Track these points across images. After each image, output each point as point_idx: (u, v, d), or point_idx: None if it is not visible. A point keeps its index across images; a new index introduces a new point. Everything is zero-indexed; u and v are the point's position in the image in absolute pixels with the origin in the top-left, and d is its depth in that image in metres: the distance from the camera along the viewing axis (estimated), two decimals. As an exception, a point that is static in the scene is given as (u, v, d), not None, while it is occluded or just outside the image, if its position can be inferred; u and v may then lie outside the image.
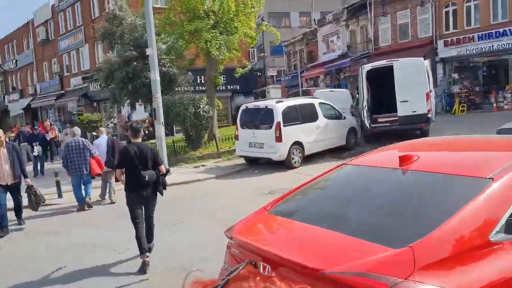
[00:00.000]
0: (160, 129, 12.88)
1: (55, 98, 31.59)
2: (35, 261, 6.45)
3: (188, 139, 16.04)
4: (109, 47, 18.34)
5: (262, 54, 26.40)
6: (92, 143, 11.13)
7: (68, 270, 5.92)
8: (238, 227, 2.95)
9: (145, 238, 5.73)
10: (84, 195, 9.83)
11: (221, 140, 16.34)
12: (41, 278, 5.76)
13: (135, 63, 17.51)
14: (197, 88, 22.91)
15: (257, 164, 13.72)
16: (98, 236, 7.58)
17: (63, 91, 32.01)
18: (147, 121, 24.96)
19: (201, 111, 15.41)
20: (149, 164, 5.73)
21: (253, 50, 32.74)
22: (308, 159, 13.29)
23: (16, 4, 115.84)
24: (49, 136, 18.39)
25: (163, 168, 6.02)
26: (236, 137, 13.88)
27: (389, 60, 14.92)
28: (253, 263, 0.99)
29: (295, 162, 12.83)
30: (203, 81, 24.78)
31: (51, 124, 20.56)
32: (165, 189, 6.13)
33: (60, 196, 11.03)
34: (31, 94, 37.25)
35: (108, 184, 10.39)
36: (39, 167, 15.89)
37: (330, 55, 32.71)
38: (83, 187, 9.85)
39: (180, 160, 15.24)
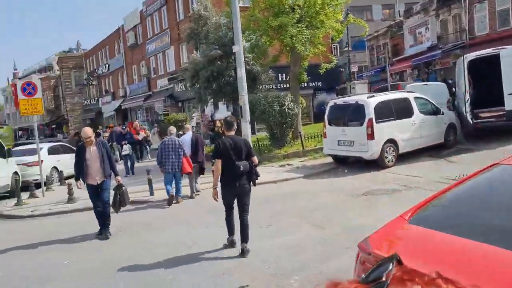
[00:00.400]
0: (247, 127, 12.70)
1: (143, 99, 33.14)
2: (133, 259, 6.45)
3: (273, 138, 15.75)
4: (195, 47, 18.66)
5: (346, 48, 25.42)
6: None
7: (166, 266, 5.82)
8: (375, 240, 2.46)
9: (233, 223, 6.31)
10: (174, 192, 10.21)
11: (306, 138, 15.84)
12: (141, 275, 5.71)
13: (219, 62, 17.61)
14: (278, 86, 22.59)
15: (345, 164, 13.04)
16: (192, 233, 7.47)
17: (151, 92, 33.47)
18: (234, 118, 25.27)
19: (286, 109, 15.03)
20: (243, 155, 6.05)
21: (336, 45, 31.75)
22: (402, 158, 12.36)
23: (110, 11, 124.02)
24: (141, 136, 19.13)
25: (255, 159, 6.30)
26: (324, 135, 13.31)
27: (494, 48, 13.41)
28: (398, 258, 0.89)
29: (388, 161, 11.97)
30: (284, 79, 24.51)
31: (139, 125, 21.56)
32: (257, 179, 6.41)
33: (152, 193, 11.25)
34: (122, 96, 39.49)
35: (193, 179, 10.86)
36: (129, 166, 16.28)
37: (418, 47, 30.78)
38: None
39: (265, 159, 14.97)
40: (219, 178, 6.16)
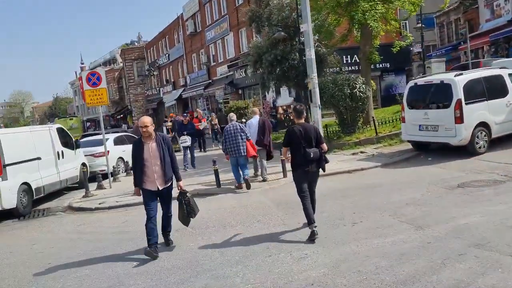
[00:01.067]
0: (317, 113, 11.76)
1: (203, 87, 33.01)
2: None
3: (342, 123, 14.67)
4: (256, 31, 17.85)
5: (420, 24, 23.47)
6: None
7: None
8: None
9: (311, 210, 6.23)
10: (242, 175, 10.29)
11: (378, 123, 14.61)
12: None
13: (283, 45, 16.69)
14: (345, 68, 21.33)
15: (427, 150, 11.77)
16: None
17: (210, 81, 33.24)
18: (291, 106, 24.34)
19: (357, 92, 13.88)
20: (313, 142, 6.24)
21: (404, 23, 29.65)
22: (493, 143, 10.92)
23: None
24: (202, 125, 18.74)
25: (325, 146, 6.45)
26: (402, 119, 12.07)
27: None
28: None
29: (479, 148, 10.60)
30: (350, 61, 23.14)
31: (201, 113, 21.27)
32: (327, 163, 6.50)
33: (218, 185, 10.71)
34: (182, 85, 39.72)
35: (259, 163, 11.09)
36: (188, 159, 14.71)
37: (496, 21, 28.01)
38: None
39: (334, 147, 13.97)
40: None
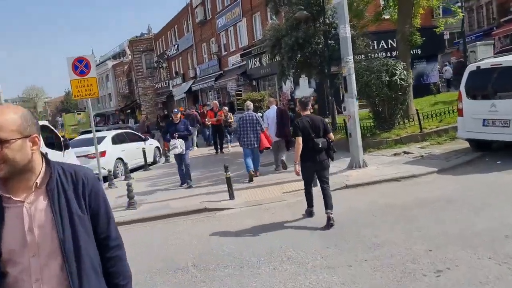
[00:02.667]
0: (353, 105, 9.48)
1: (214, 79, 30.82)
2: None
3: (378, 117, 12.34)
4: (274, 12, 15.52)
5: (460, 3, 20.90)
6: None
7: None
8: None
9: (312, 195, 6.77)
10: (252, 167, 10.04)
11: (421, 117, 12.25)
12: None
13: (305, 27, 14.39)
14: (372, 55, 18.89)
15: (490, 150, 9.44)
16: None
17: (222, 72, 31.04)
18: (312, 98, 21.96)
19: (398, 79, 11.54)
20: (321, 132, 6.44)
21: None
22: None
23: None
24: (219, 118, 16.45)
25: (332, 135, 6.70)
26: (459, 112, 9.72)
27: None
28: None
29: None
30: (385, 46, 20.67)
31: (218, 105, 19.05)
32: (335, 152, 6.66)
33: (232, 197, 8.54)
34: (192, 77, 37.60)
35: (279, 154, 10.70)
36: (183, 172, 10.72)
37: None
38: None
39: (369, 145, 11.68)
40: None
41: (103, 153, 13.55)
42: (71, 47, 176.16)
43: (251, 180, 9.90)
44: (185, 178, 10.48)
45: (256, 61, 24.70)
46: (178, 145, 10.09)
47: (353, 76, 9.49)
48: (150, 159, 16.15)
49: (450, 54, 34.68)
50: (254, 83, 25.98)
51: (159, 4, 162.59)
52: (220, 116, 16.20)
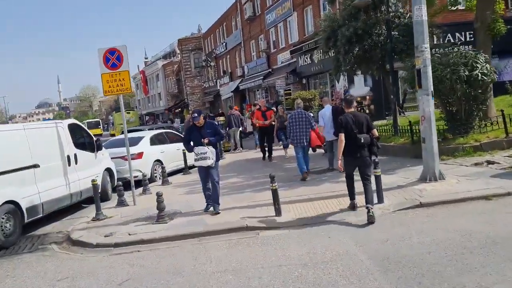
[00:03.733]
0: (429, 103, 7.74)
1: (262, 77, 29.48)
2: None
3: (452, 119, 10.46)
4: (330, 0, 13.86)
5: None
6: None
7: None
8: None
9: (354, 189, 6.89)
10: (305, 168, 9.95)
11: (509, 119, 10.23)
12: None
13: (365, 16, 12.71)
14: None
15: None
16: None
17: (270, 70, 29.64)
18: (367, 97, 20.10)
19: (479, 74, 9.63)
20: (364, 129, 6.58)
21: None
22: None
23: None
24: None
25: (375, 132, 6.74)
26: None
27: None
28: None
29: None
30: (460, 39, 18.48)
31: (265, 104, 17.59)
32: (378, 150, 6.77)
33: (278, 213, 7.09)
34: (239, 76, 36.50)
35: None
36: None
37: None
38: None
39: (442, 152, 9.80)
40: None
41: (139, 155, 12.58)
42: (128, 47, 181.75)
43: (303, 180, 9.78)
44: (213, 201, 7.86)
45: (306, 58, 23.10)
46: (209, 154, 7.62)
47: (429, 69, 7.76)
48: (191, 161, 15.03)
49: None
50: (304, 81, 24.37)
51: (212, 4, 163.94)
52: (270, 117, 13.89)
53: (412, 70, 10.71)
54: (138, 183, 11.07)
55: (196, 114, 7.92)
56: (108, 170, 11.33)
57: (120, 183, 9.96)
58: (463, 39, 19.47)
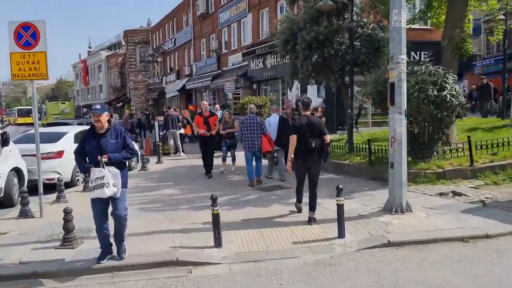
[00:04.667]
0: (401, 123, 6.72)
1: (211, 78, 28.00)
2: None
3: (415, 141, 9.61)
4: (290, 1, 12.72)
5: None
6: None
7: None
8: None
9: (302, 193, 7.05)
10: (254, 172, 9.93)
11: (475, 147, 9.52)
12: None
13: (327, 21, 11.71)
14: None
15: None
16: None
17: (220, 71, 28.22)
18: (319, 109, 19.23)
19: (448, 95, 8.85)
20: (317, 133, 6.62)
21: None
22: None
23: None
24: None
25: (327, 137, 6.76)
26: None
27: None
28: None
29: None
30: (411, 58, 18.02)
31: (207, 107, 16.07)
32: (328, 156, 6.97)
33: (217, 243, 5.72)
34: (187, 75, 34.75)
35: (278, 163, 10.61)
36: None
37: None
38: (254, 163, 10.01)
39: (402, 176, 8.97)
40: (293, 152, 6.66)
41: (59, 154, 10.71)
42: (70, 35, 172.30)
43: (252, 185, 9.77)
44: (117, 241, 5.41)
45: (259, 62, 21.96)
46: (108, 179, 5.01)
47: (404, 84, 6.74)
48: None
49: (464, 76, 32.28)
50: (254, 86, 23.19)
51: None
52: (214, 125, 11.32)
53: (376, 84, 9.84)
54: (55, 188, 9.26)
55: (98, 107, 5.31)
56: (17, 170, 9.41)
57: (25, 189, 8.06)
58: (417, 58, 19.19)
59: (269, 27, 21.92)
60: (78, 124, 15.19)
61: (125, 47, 51.42)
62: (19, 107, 74.55)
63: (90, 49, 78.91)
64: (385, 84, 9.13)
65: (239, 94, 24.58)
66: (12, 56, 7.49)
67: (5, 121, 69.86)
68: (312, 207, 6.66)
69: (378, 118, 19.67)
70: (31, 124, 34.72)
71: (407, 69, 7.93)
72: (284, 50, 12.03)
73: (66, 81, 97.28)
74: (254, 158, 10.02)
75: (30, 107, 74.34)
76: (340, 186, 5.94)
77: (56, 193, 9.08)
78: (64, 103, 52.84)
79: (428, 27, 19.06)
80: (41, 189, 7.88)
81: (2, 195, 8.83)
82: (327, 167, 11.74)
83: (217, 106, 18.02)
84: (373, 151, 10.26)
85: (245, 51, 23.42)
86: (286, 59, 19.10)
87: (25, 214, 7.70)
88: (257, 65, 22.17)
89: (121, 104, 52.95)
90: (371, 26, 12.19)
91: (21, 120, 60.89)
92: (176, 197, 9.14)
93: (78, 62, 76.52)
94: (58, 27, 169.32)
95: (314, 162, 6.67)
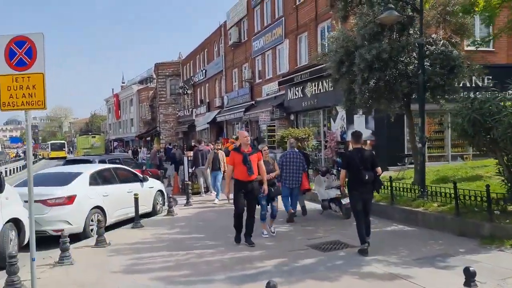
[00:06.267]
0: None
1: (243, 110, 26.34)
2: None
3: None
4: (342, 15, 10.81)
5: None
6: None
7: None
8: None
9: (364, 230, 6.77)
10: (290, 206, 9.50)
11: None
12: None
13: (389, 37, 9.74)
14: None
15: None
16: None
17: (253, 102, 26.55)
18: (368, 142, 16.97)
19: None
20: (369, 165, 6.82)
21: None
22: None
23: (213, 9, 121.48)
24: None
25: (379, 169, 7.01)
26: None
27: None
28: None
29: None
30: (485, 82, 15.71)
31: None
32: (380, 187, 7.42)
33: None
34: (218, 107, 33.30)
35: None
36: None
37: None
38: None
39: (497, 232, 6.73)
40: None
41: (70, 199, 8.90)
42: (103, 70, 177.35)
43: (291, 220, 9.36)
44: None
45: (297, 91, 20.10)
46: None
47: None
48: (146, 207, 11.42)
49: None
50: (292, 117, 21.26)
51: (197, 32, 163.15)
52: (257, 165, 7.87)
53: (468, 111, 7.66)
54: (75, 237, 7.42)
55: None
56: (15, 221, 7.63)
57: (14, 253, 6.16)
58: (479, 83, 16.87)
59: (308, 52, 20.17)
60: (100, 162, 13.45)
61: (155, 81, 50.99)
62: (52, 141, 75.48)
63: (123, 84, 79.87)
64: (482, 111, 7.01)
65: (274, 126, 22.69)
66: (1, 80, 5.79)
67: (39, 155, 70.71)
68: (368, 234, 6.87)
69: (434, 152, 17.36)
70: (64, 158, 33.76)
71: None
72: (338, 72, 10.03)
73: (99, 115, 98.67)
74: (291, 194, 9.56)
75: (63, 141, 75.31)
76: (472, 268, 3.76)
77: (62, 252, 7.18)
78: (94, 137, 52.56)
79: (491, 49, 16.88)
80: (33, 253, 5.97)
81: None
82: (393, 214, 9.53)
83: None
84: (459, 194, 7.99)
85: (281, 79, 21.67)
86: (330, 86, 17.33)
87: (11, 286, 5.80)
88: (295, 94, 20.32)
89: (150, 137, 52.12)
90: (441, 42, 10.10)
91: (54, 154, 61.22)
92: (209, 258, 7.10)
93: (111, 96, 77.17)
94: (95, 63, 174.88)
95: (368, 193, 6.97)
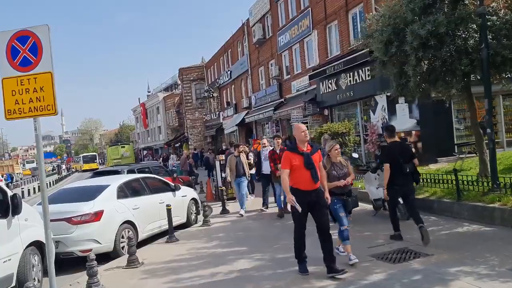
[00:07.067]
0: None
1: (273, 108, 25.25)
2: None
3: None
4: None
5: None
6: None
7: None
8: None
9: (397, 220, 7.16)
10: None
11: None
12: None
13: (443, 7, 8.49)
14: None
15: None
16: None
17: (283, 99, 25.43)
18: (413, 133, 15.59)
19: None
20: (407, 158, 6.94)
21: None
22: None
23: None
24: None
25: (416, 160, 7.15)
26: None
27: None
28: None
29: None
30: None
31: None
32: (419, 176, 7.34)
33: None
34: (245, 108, 32.33)
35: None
36: None
37: None
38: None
39: None
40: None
41: (97, 215, 8.04)
42: (131, 80, 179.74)
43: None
44: None
45: (330, 84, 18.85)
46: None
47: None
48: (180, 218, 10.51)
49: None
50: (326, 112, 19.99)
51: (219, 35, 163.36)
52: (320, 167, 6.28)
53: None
54: (103, 257, 6.52)
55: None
56: (37, 245, 6.81)
57: (30, 284, 5.27)
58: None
59: (340, 42, 18.92)
60: (128, 172, 12.64)
61: (180, 86, 50.55)
62: (84, 154, 76.48)
63: (149, 93, 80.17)
64: None
65: (307, 122, 21.53)
66: (4, 83, 4.93)
67: (73, 168, 71.62)
68: (419, 220, 6.64)
69: (486, 139, 15.82)
70: (96, 170, 33.48)
71: None
72: (386, 54, 8.80)
73: (128, 125, 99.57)
74: None
75: (94, 153, 76.17)
76: None
77: (87, 276, 6.28)
78: (123, 147, 52.60)
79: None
80: (53, 283, 5.08)
81: (14, 284, 6.20)
82: (461, 211, 8.28)
83: (265, 141, 12.43)
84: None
85: (311, 73, 20.45)
86: (367, 75, 16.06)
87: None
88: (328, 87, 19.08)
89: (179, 144, 51.69)
90: (502, 12, 8.77)
91: (86, 166, 61.86)
92: (254, 273, 6.10)
93: (138, 106, 77.51)
94: (121, 75, 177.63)
95: (408, 186, 6.96)
